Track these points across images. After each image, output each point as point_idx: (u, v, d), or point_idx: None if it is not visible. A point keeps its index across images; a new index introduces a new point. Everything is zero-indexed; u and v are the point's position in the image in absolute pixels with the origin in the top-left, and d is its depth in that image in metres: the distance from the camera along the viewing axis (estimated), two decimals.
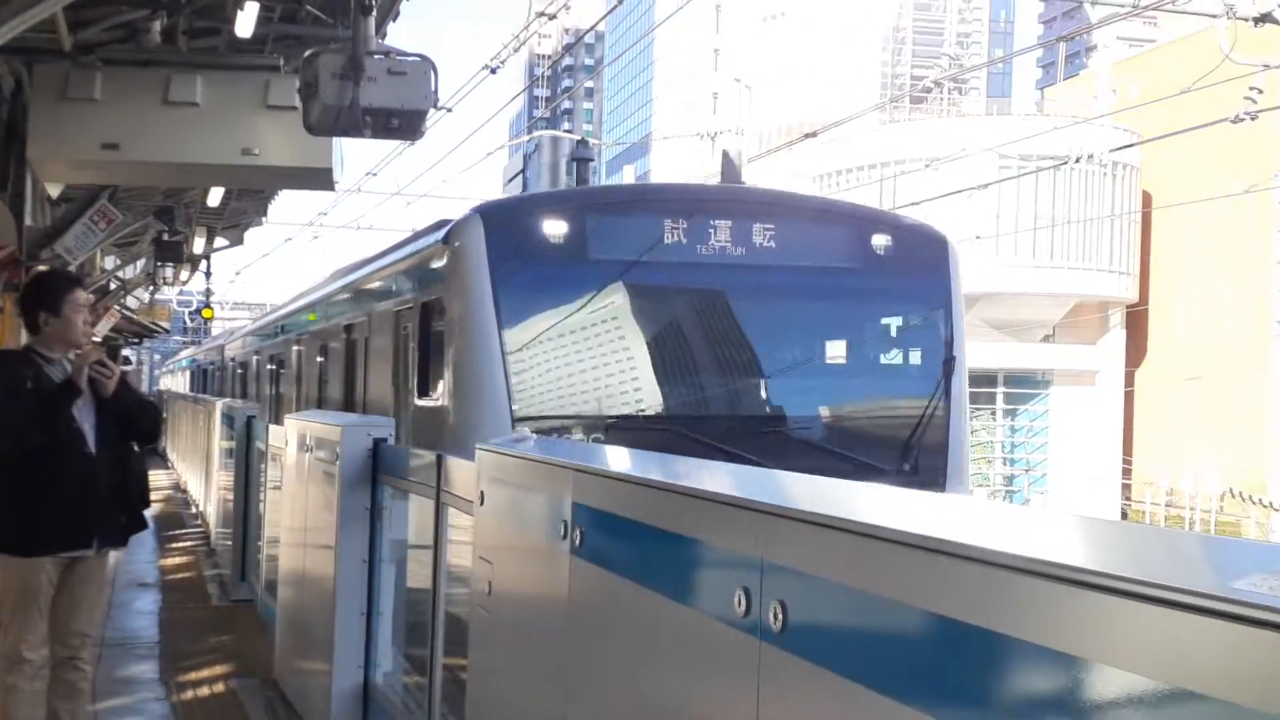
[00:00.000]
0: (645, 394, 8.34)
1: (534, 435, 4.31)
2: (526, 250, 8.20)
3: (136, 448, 5.72)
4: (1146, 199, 43.42)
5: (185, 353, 46.81)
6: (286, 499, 7.44)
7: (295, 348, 15.35)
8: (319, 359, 13.38)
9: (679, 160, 62.58)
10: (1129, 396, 44.37)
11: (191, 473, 18.87)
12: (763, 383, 8.67)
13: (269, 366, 18.30)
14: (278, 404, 16.34)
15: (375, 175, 26.64)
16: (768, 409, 8.65)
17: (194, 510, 17.71)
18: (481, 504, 4.08)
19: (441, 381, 8.34)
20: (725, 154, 9.64)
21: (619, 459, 3.81)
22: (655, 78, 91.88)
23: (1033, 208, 40.63)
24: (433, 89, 8.27)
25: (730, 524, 2.42)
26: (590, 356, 8.36)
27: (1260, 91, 18.54)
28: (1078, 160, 29.43)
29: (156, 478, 22.45)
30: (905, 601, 1.87)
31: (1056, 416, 43.53)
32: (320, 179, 12.09)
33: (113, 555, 5.85)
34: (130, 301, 29.70)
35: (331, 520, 5.98)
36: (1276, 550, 1.57)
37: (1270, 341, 39.73)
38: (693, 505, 2.63)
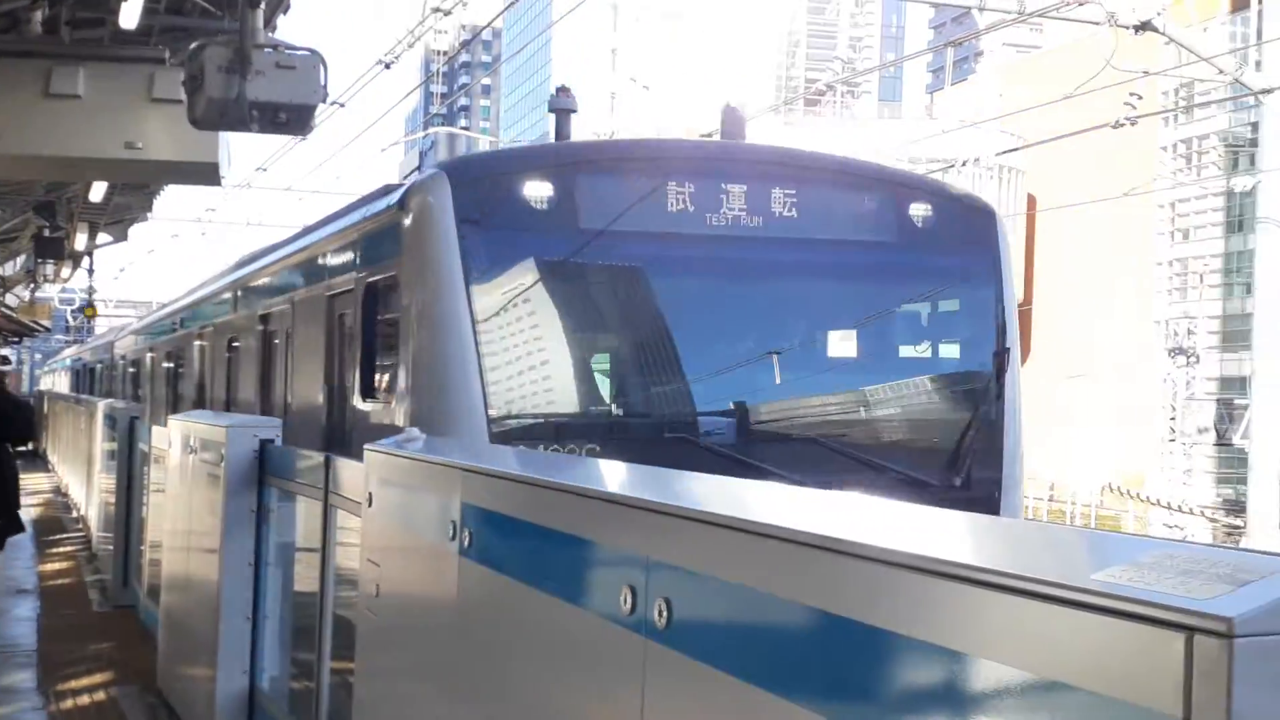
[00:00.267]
0: (646, 395, 7.17)
1: (423, 436, 4.22)
2: (504, 217, 6.77)
3: (11, 449, 5.56)
4: (1031, 201, 44.53)
5: (68, 351, 45.48)
6: (170, 502, 7.29)
7: (199, 343, 14.00)
8: (227, 355, 12.06)
9: None
10: None
11: (73, 476, 18.35)
12: (785, 383, 7.23)
13: (167, 365, 17.14)
14: (175, 406, 15.04)
15: (265, 171, 26.23)
16: (794, 416, 7.35)
17: (75, 514, 17.23)
18: (370, 505, 4.03)
19: (393, 378, 7.05)
20: (728, 107, 8.43)
21: (506, 459, 3.78)
22: (553, 76, 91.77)
23: None
24: (323, 83, 8.16)
25: (616, 522, 2.43)
26: (580, 349, 7.11)
27: (1140, 98, 19.07)
28: (964, 163, 30.04)
29: (37, 481, 21.80)
30: (787, 598, 1.88)
31: None
32: (206, 174, 11.90)
33: None
34: (9, 299, 28.89)
35: (216, 524, 5.88)
36: (1143, 542, 1.61)
37: (1151, 340, 40.98)
38: (579, 504, 2.62)
